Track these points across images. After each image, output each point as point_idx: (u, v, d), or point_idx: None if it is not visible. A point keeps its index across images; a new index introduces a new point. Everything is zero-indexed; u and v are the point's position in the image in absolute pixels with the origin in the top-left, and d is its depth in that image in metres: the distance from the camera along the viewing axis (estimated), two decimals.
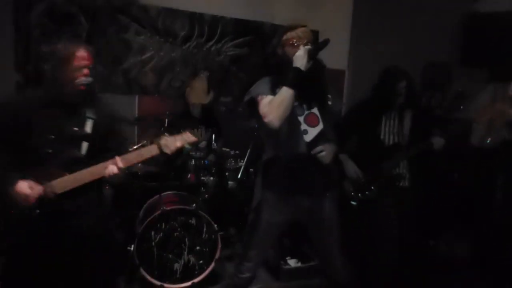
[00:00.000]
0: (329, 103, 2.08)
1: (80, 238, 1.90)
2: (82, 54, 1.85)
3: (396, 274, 2.70)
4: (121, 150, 1.98)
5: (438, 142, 2.60)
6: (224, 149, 3.32)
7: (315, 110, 2.05)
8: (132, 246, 2.69)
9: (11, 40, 3.50)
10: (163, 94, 3.99)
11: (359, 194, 2.71)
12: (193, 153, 3.39)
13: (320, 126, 2.04)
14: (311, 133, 2.02)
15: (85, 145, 1.90)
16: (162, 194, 3.02)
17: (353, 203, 2.74)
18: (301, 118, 2.02)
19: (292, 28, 2.04)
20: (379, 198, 2.66)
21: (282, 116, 1.86)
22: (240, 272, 2.12)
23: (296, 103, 1.98)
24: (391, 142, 2.68)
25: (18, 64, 3.53)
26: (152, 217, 2.71)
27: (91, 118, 1.92)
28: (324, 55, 4.66)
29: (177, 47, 3.98)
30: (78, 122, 1.90)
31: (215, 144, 3.28)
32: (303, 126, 2.01)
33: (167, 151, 1.94)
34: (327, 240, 2.13)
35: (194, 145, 2.08)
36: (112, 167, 1.85)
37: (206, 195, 3.19)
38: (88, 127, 1.92)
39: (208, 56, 4.11)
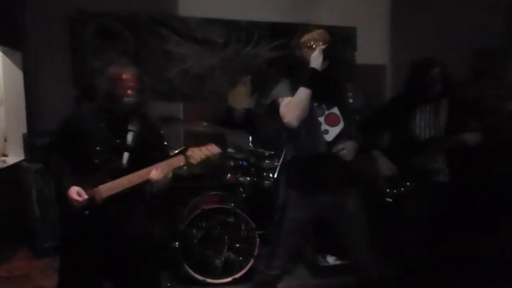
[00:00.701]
0: (350, 101, 2.12)
1: (122, 238, 2.11)
2: (127, 76, 2.05)
3: (432, 270, 2.66)
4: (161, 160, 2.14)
5: (471, 137, 2.50)
6: (259, 150, 3.45)
7: (335, 110, 2.09)
8: (176, 243, 2.90)
9: (69, 58, 3.88)
10: (205, 100, 4.20)
11: (394, 191, 2.70)
12: (237, 155, 3.56)
13: (341, 125, 2.08)
14: (332, 132, 2.07)
15: (126, 156, 2.10)
16: (204, 194, 3.22)
17: (388, 200, 2.73)
18: (321, 119, 2.07)
19: (308, 30, 2.11)
20: (415, 193, 2.63)
21: (300, 116, 1.94)
22: (269, 269, 2.19)
23: (315, 104, 2.05)
24: (426, 136, 2.63)
25: (75, 80, 3.90)
26: (192, 216, 2.90)
27: (133, 131, 2.12)
28: (365, 51, 4.65)
29: (216, 54, 4.17)
30: (121, 134, 2.11)
31: (251, 145, 3.41)
32: (324, 126, 2.07)
33: (193, 161, 2.09)
34: (353, 237, 2.16)
35: (218, 156, 2.21)
36: (147, 175, 2.03)
37: (244, 195, 3.34)
38: (130, 139, 2.12)
39: (247, 60, 4.25)
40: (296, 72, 2.08)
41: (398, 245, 2.78)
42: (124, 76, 2.05)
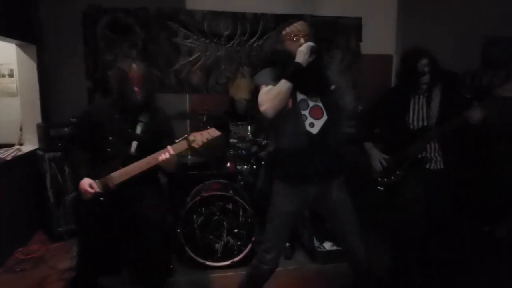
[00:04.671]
0: (332, 87, 2.10)
1: (136, 220, 2.31)
2: (133, 74, 2.25)
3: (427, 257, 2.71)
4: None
5: (474, 114, 2.46)
6: (257, 139, 3.53)
7: (318, 103, 2.08)
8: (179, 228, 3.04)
9: (81, 52, 4.04)
10: (211, 91, 4.30)
11: (385, 180, 2.76)
12: (240, 144, 3.66)
13: (325, 117, 2.07)
14: (317, 125, 2.06)
15: (134, 144, 2.31)
16: (206, 182, 3.35)
17: (380, 188, 2.79)
18: (306, 112, 2.06)
19: (290, 23, 2.11)
20: (405, 181, 2.67)
21: (277, 107, 1.92)
22: (261, 263, 2.19)
23: (302, 98, 2.06)
24: (419, 126, 2.66)
25: (88, 73, 4.05)
26: (192, 202, 3.03)
27: (143, 122, 2.34)
28: (372, 41, 4.63)
29: (221, 46, 4.25)
30: (131, 125, 2.33)
31: (250, 135, 3.50)
32: (309, 120, 2.05)
33: (195, 145, 2.27)
34: (343, 226, 2.16)
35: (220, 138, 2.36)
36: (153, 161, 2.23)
37: (242, 183, 3.45)
38: (139, 129, 2.33)
39: (251, 52, 4.31)
40: (279, 63, 2.06)
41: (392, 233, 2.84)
42: (131, 75, 2.23)
